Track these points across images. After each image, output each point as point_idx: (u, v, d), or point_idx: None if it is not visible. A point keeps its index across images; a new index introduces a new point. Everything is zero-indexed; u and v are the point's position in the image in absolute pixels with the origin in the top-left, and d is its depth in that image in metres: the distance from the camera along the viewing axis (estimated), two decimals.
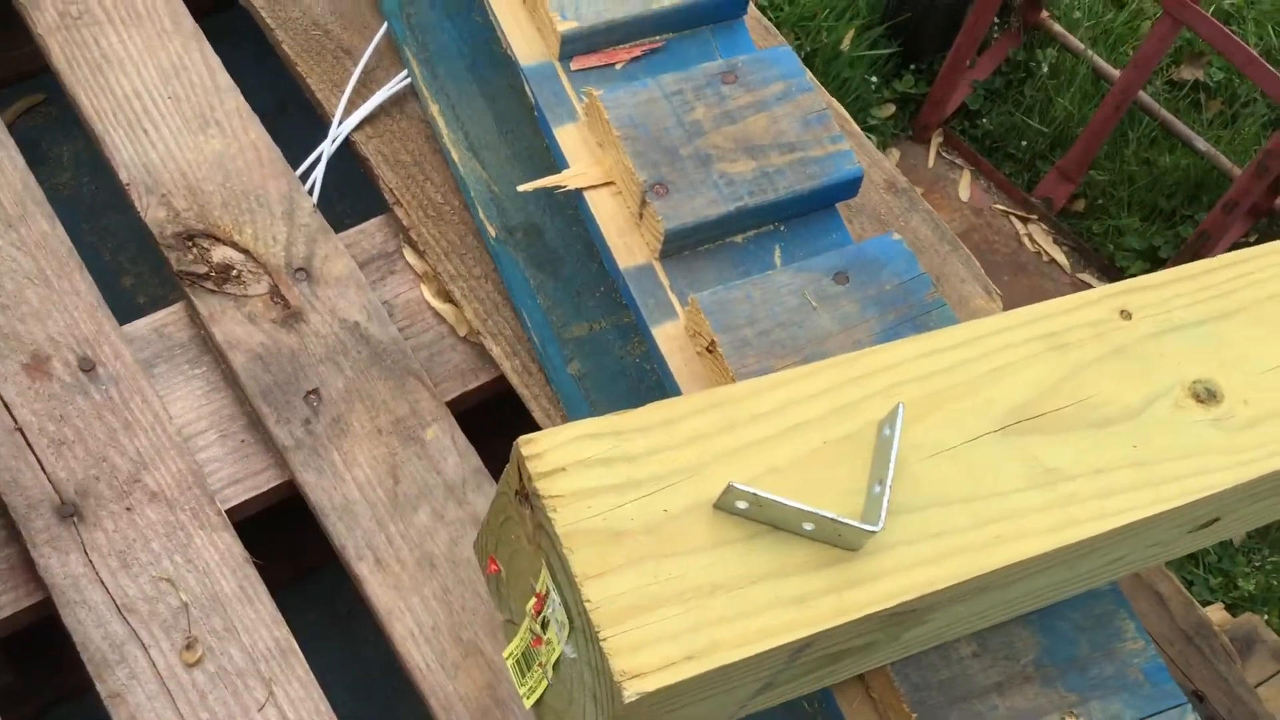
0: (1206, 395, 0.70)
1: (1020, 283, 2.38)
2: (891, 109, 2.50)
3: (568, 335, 1.02)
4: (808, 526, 0.58)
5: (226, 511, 0.97)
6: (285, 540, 1.06)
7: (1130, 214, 2.42)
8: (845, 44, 2.43)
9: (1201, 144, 2.35)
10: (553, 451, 0.58)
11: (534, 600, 0.60)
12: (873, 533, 0.58)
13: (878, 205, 1.19)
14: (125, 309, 1.09)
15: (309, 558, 1.01)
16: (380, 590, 0.95)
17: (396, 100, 1.16)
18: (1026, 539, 0.62)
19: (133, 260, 1.37)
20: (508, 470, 0.60)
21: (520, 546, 0.60)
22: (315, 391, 1.01)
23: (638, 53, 0.96)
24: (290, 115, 1.28)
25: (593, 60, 0.95)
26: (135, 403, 1.00)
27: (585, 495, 0.57)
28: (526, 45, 0.97)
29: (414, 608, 0.95)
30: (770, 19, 2.44)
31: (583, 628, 0.56)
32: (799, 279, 0.85)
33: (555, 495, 0.57)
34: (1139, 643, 0.76)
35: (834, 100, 1.26)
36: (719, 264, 0.90)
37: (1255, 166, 2.06)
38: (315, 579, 1.15)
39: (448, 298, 1.09)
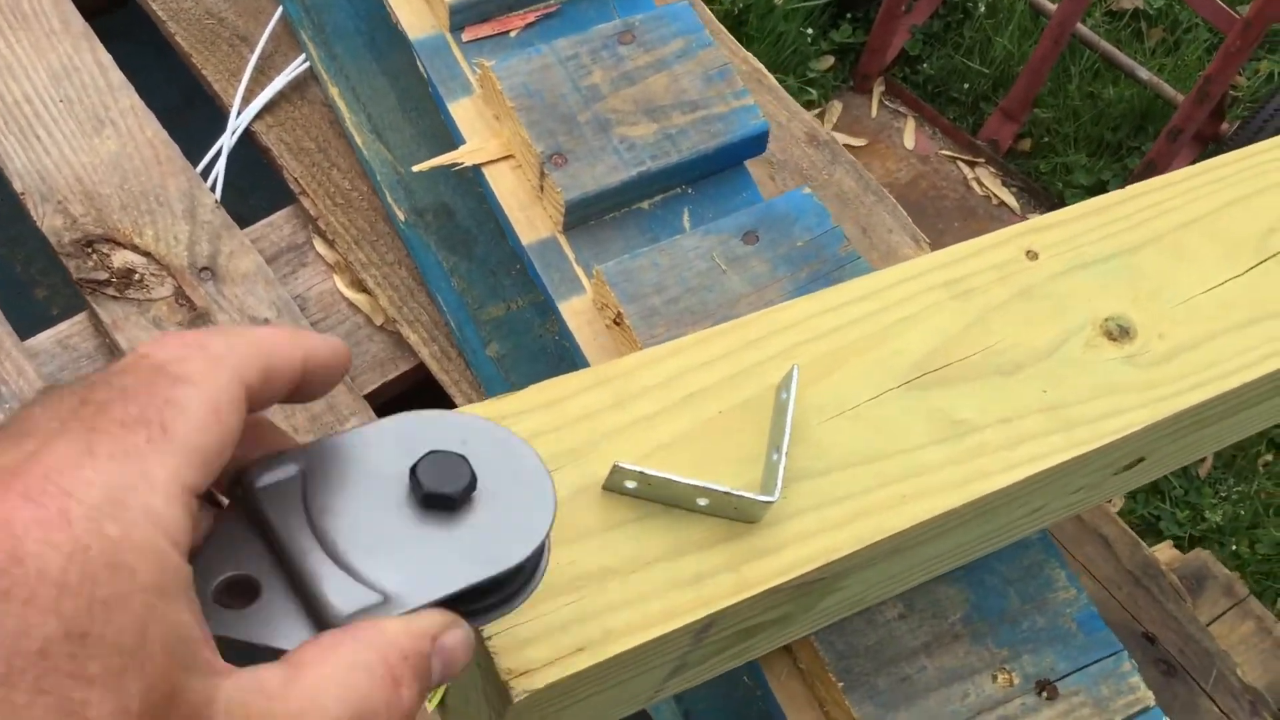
0: (1119, 332, 0.67)
1: (970, 227, 2.36)
2: (830, 61, 2.47)
3: (485, 317, 0.99)
4: (702, 502, 0.56)
5: None
6: None
7: (1077, 150, 2.40)
8: None
9: (1144, 73, 2.33)
10: None
11: None
12: (769, 503, 0.55)
13: (800, 159, 1.16)
14: (39, 321, 1.06)
15: None
16: None
17: (296, 86, 1.12)
18: (934, 496, 0.60)
19: (43, 271, 1.33)
20: None
21: None
22: None
23: (532, 18, 0.93)
24: (196, 109, 1.24)
25: (485, 29, 0.92)
26: None
27: None
28: (416, 18, 0.94)
29: None
30: None
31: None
32: (707, 241, 0.82)
33: None
34: (1070, 591, 0.74)
35: (749, 55, 1.23)
36: (626, 232, 0.87)
37: (1196, 93, 2.03)
38: None
39: (361, 287, 1.06)
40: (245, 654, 0.40)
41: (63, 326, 1.02)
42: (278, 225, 1.08)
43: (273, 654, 0.40)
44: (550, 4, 0.93)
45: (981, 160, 2.44)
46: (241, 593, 0.42)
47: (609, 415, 0.58)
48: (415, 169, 0.90)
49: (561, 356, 0.96)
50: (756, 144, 0.88)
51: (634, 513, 0.56)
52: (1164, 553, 1.05)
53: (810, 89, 2.40)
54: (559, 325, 0.84)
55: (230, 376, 0.39)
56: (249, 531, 0.43)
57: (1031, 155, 2.44)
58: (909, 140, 2.45)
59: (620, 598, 0.54)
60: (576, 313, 0.83)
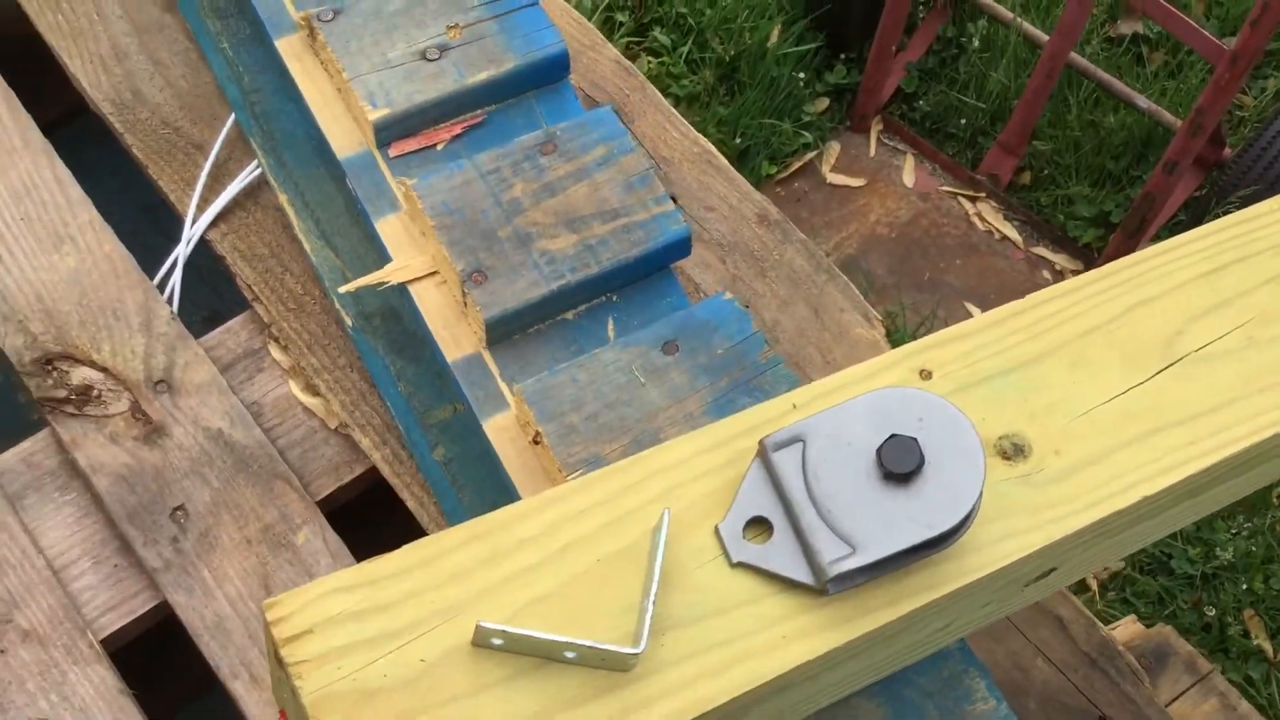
0: (1013, 451, 0.67)
1: (973, 264, 2.35)
2: (825, 103, 2.47)
3: (431, 420, 1.01)
4: (570, 655, 0.56)
5: (101, 641, 0.96)
6: (173, 661, 1.05)
7: (1078, 181, 2.38)
8: (773, 39, 2.40)
9: (1142, 101, 2.31)
10: (299, 613, 0.56)
11: None
12: (635, 654, 0.56)
13: (750, 241, 1.17)
14: (22, 428, 1.08)
15: (198, 679, 1.00)
16: (257, 709, 0.94)
17: (250, 192, 1.14)
18: (816, 635, 0.60)
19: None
20: (266, 632, 0.59)
21: (294, 706, 0.59)
22: (181, 508, 1.00)
23: (458, 130, 0.94)
24: (156, 216, 1.26)
25: (411, 144, 0.93)
26: (3, 540, 0.99)
27: (334, 656, 0.55)
28: (344, 136, 0.95)
29: None
30: (691, 24, 2.41)
31: None
32: (626, 354, 0.83)
33: (301, 661, 0.55)
34: (990, 702, 0.74)
35: (699, 136, 1.23)
36: (551, 344, 0.88)
37: (1189, 125, 2.01)
38: (206, 698, 1.14)
39: (315, 391, 1.07)
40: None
41: (26, 444, 1.05)
42: (234, 331, 1.10)
43: (783, 582, 0.59)
44: (476, 115, 0.94)
45: (983, 195, 2.42)
46: (761, 529, 0.61)
47: (484, 572, 0.59)
48: (341, 290, 0.91)
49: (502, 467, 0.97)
50: (679, 249, 0.89)
51: (505, 671, 0.57)
52: (1125, 629, 1.03)
53: (805, 132, 2.40)
54: (484, 445, 0.85)
55: None
56: (767, 483, 0.61)
57: (1032, 188, 2.43)
58: (908, 178, 2.45)
59: None
60: (500, 430, 0.83)
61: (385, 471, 1.03)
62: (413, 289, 0.88)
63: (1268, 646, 1.89)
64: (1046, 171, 2.40)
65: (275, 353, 1.09)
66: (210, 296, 1.12)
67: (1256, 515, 2.00)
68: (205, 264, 1.15)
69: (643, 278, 0.89)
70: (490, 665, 0.56)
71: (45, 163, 1.15)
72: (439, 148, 0.94)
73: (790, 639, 0.60)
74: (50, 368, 1.05)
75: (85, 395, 1.04)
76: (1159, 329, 0.73)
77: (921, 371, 0.69)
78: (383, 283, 0.89)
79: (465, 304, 0.86)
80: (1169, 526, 0.77)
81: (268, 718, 0.93)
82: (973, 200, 2.42)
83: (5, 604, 0.96)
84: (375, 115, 0.92)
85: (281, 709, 0.63)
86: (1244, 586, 1.88)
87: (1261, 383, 0.71)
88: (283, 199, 1.10)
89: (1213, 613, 1.89)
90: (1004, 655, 0.88)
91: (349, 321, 1.04)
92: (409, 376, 1.02)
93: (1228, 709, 0.99)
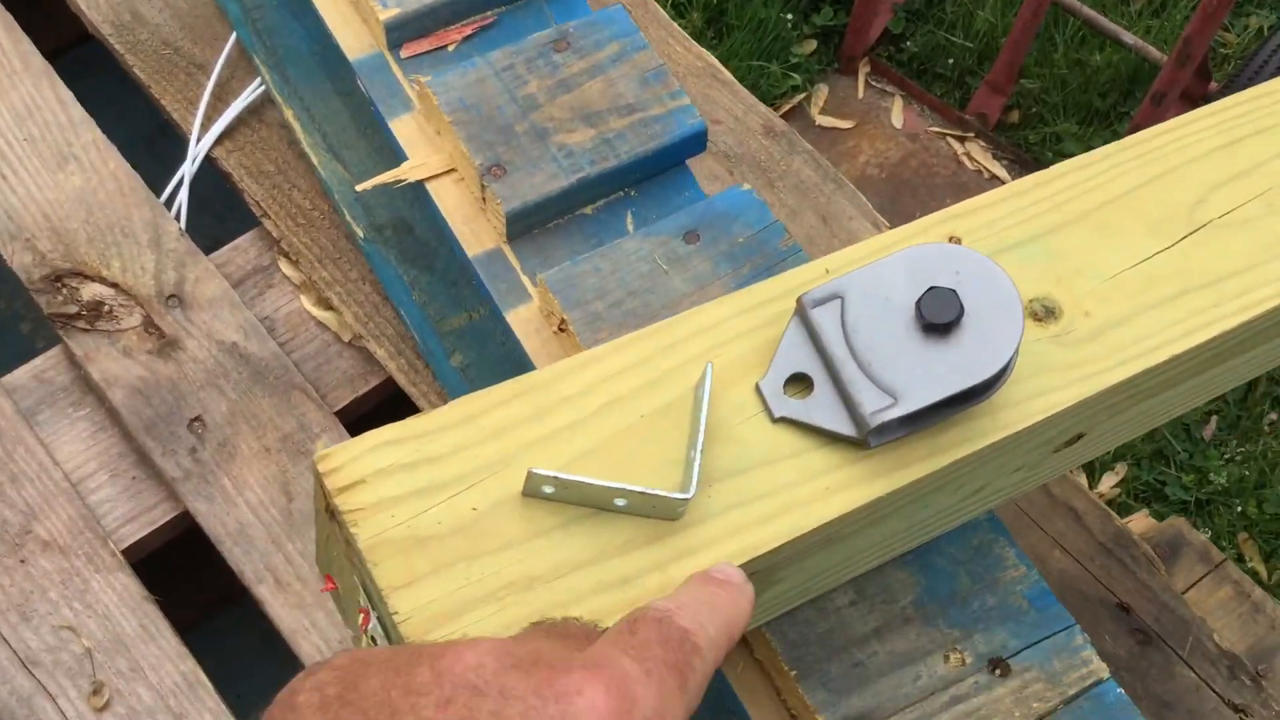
0: (1044, 313, 0.68)
1: None
2: (813, 45, 2.46)
3: (447, 328, 1.01)
4: (620, 502, 0.57)
5: (123, 551, 0.96)
6: (196, 573, 1.05)
7: (1066, 118, 2.39)
8: None
9: (1129, 37, 2.32)
10: (351, 464, 0.57)
11: (361, 616, 0.59)
12: (685, 500, 0.56)
13: (757, 152, 1.17)
14: (25, 355, 1.08)
15: (222, 588, 1.00)
16: (283, 611, 0.94)
17: (254, 110, 1.14)
18: (859, 487, 0.61)
19: (27, 305, 1.35)
20: (315, 488, 0.59)
21: (343, 563, 0.59)
22: (199, 419, 0.99)
23: (469, 31, 0.94)
24: (164, 140, 1.26)
25: (423, 45, 0.93)
26: (19, 454, 0.98)
27: (388, 505, 0.56)
28: (354, 38, 0.95)
29: (318, 624, 0.94)
30: None
31: (397, 641, 0.54)
32: (648, 244, 0.83)
33: (355, 509, 0.55)
34: (1020, 569, 0.75)
35: (703, 50, 1.23)
36: (571, 238, 0.88)
37: (1177, 55, 2.02)
38: (234, 609, 1.14)
39: (327, 304, 1.07)
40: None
41: (38, 361, 1.04)
42: (243, 249, 1.10)
43: (825, 434, 0.60)
44: (487, 16, 0.94)
45: (971, 135, 2.43)
46: (801, 386, 0.61)
47: (527, 428, 0.59)
48: (359, 188, 0.91)
49: (524, 363, 0.97)
50: (695, 143, 0.89)
51: (557, 519, 0.57)
52: (1138, 523, 1.05)
53: (794, 74, 2.40)
54: (508, 336, 0.85)
55: None
56: (806, 340, 0.61)
57: (1021, 127, 2.43)
58: (897, 119, 2.45)
59: (546, 604, 0.55)
60: (524, 321, 0.84)
61: (401, 381, 1.03)
62: (430, 186, 0.88)
63: (1262, 569, 1.92)
64: (1034, 110, 2.41)
65: (285, 268, 1.09)
66: (212, 225, 1.11)
67: (1249, 441, 2.02)
68: (206, 192, 1.15)
69: (660, 172, 0.89)
70: (542, 514, 0.57)
71: (46, 84, 1.14)
72: (450, 49, 0.94)
73: (834, 490, 0.61)
74: (60, 285, 1.04)
75: (96, 311, 1.04)
76: (1180, 198, 0.73)
77: (950, 238, 0.69)
78: (400, 180, 0.88)
79: (484, 199, 0.86)
80: (1190, 400, 0.78)
81: (293, 621, 0.94)
82: (961, 140, 2.43)
83: (24, 515, 0.96)
84: (386, 15, 0.92)
85: (326, 574, 0.64)
86: (1238, 510, 1.91)
87: None
88: (288, 114, 1.10)
89: (1208, 537, 1.91)
90: (1022, 549, 0.88)
91: (360, 233, 1.04)
92: (423, 285, 1.02)
93: (1241, 596, 1.00)
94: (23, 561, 0.94)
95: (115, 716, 0.90)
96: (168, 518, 0.98)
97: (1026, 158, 2.40)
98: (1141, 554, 0.98)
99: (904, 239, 0.69)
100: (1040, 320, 0.67)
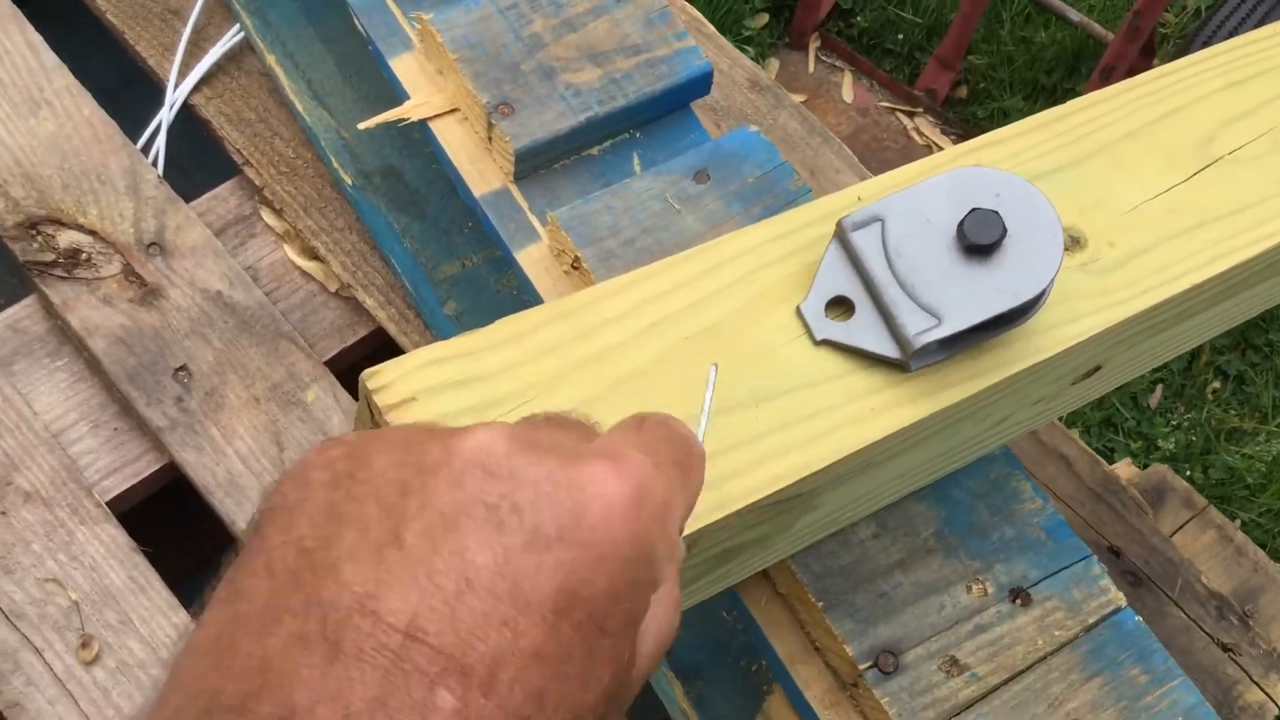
0: (1070, 242, 0.68)
1: None
2: (765, 18, 2.47)
3: (440, 276, 0.99)
4: None
5: (107, 503, 0.93)
6: (186, 524, 1.03)
7: (1013, 94, 2.43)
8: None
9: (1074, 15, 2.35)
10: (400, 381, 0.55)
11: None
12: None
13: (743, 105, 1.17)
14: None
15: (214, 539, 0.97)
16: None
17: (233, 56, 1.11)
18: (902, 408, 0.61)
19: None
20: (359, 408, 0.58)
21: None
22: (184, 368, 0.97)
23: None
24: (134, 90, 1.22)
25: None
26: None
27: (440, 422, 0.55)
28: None
29: None
30: None
31: None
32: (659, 183, 0.82)
33: None
34: (1037, 502, 0.75)
35: (686, 3, 1.23)
36: (578, 179, 0.87)
37: (1126, 29, 2.06)
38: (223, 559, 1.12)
39: (313, 254, 1.05)
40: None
41: (13, 310, 1.01)
42: (223, 198, 1.07)
43: (866, 356, 0.60)
44: None
45: (920, 110, 2.45)
46: (842, 309, 0.61)
47: (574, 347, 0.58)
48: (361, 126, 0.89)
49: (519, 309, 0.96)
50: (701, 84, 0.88)
51: None
52: (1124, 470, 1.06)
53: (746, 47, 2.40)
54: (517, 276, 0.84)
55: None
56: (847, 263, 0.61)
57: (969, 102, 2.46)
58: (847, 94, 2.47)
59: None
60: (534, 260, 0.83)
61: (392, 330, 1.01)
62: (433, 125, 0.86)
63: None
64: (982, 86, 2.44)
65: (268, 217, 1.07)
66: (181, 183, 1.08)
67: (1194, 409, 2.07)
68: (180, 148, 1.12)
69: (667, 113, 0.89)
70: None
71: (15, 29, 1.10)
72: None
73: (878, 411, 0.61)
74: (35, 231, 1.01)
75: (74, 259, 1.00)
76: (1192, 134, 0.75)
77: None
78: (403, 119, 0.87)
79: (491, 138, 0.85)
80: (1200, 334, 0.80)
81: None
82: (910, 115, 2.45)
83: (3, 466, 0.93)
84: None
85: None
86: (1186, 474, 1.95)
87: None
88: (270, 60, 1.07)
89: None
90: None
91: (348, 181, 1.02)
92: (414, 233, 1.01)
93: (1224, 540, 1.02)
94: (3, 513, 0.91)
95: (106, 670, 0.88)
96: (153, 468, 0.95)
97: (975, 133, 2.43)
98: (1130, 498, 0.99)
99: (931, 169, 0.69)
100: (1068, 249, 0.68)
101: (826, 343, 0.61)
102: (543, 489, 0.36)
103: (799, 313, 0.62)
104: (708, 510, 0.56)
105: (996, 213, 0.60)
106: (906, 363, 0.61)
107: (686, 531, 0.55)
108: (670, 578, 0.40)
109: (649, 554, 0.37)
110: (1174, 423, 2.05)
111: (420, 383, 0.55)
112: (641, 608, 0.37)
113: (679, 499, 0.42)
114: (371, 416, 0.56)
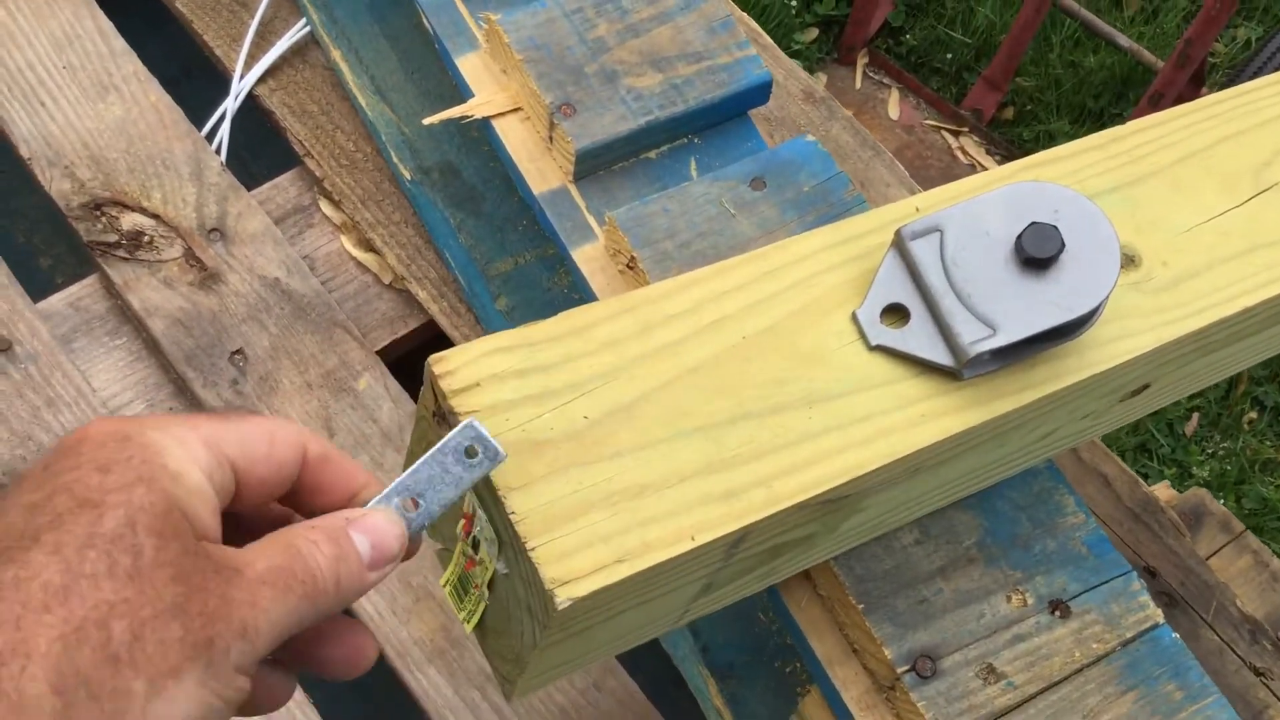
0: (1125, 260, 0.69)
1: None
2: (814, 33, 2.48)
3: (493, 272, 1.01)
4: None
5: None
6: None
7: (1059, 117, 2.43)
8: None
9: (1124, 40, 2.35)
10: (465, 368, 0.57)
11: (463, 522, 0.59)
12: None
13: (797, 116, 1.18)
14: (45, 289, 1.07)
15: None
16: None
17: (298, 50, 1.13)
18: (952, 415, 0.62)
19: (47, 241, 1.33)
20: (423, 393, 0.59)
21: None
22: (240, 351, 0.99)
23: None
24: (196, 79, 1.25)
25: None
26: (56, 379, 0.97)
27: (502, 408, 0.56)
28: None
29: None
30: None
31: (510, 541, 0.55)
32: (715, 188, 0.84)
33: (471, 411, 0.56)
34: (1079, 516, 0.76)
35: (745, 14, 1.24)
36: (635, 181, 0.88)
37: (1177, 56, 2.06)
38: None
39: (369, 246, 1.07)
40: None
41: (74, 289, 1.03)
42: (283, 187, 1.10)
43: (923, 364, 0.61)
44: None
45: (965, 129, 2.46)
46: (897, 316, 0.62)
47: (635, 342, 0.60)
48: (425, 122, 0.91)
49: (570, 307, 0.98)
50: (760, 93, 0.90)
51: (666, 431, 0.58)
52: (1162, 492, 1.07)
53: (795, 60, 2.41)
54: (572, 274, 0.86)
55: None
56: (904, 271, 0.62)
57: (1015, 123, 2.46)
58: (893, 111, 2.47)
59: (656, 512, 0.56)
60: (589, 259, 0.84)
61: (443, 324, 1.03)
62: (496, 123, 0.88)
63: None
64: (1029, 108, 2.45)
65: (326, 208, 1.09)
66: (240, 172, 1.10)
67: (1230, 438, 2.06)
68: (242, 139, 1.14)
69: (725, 120, 0.90)
70: (652, 426, 0.58)
71: (86, 13, 1.13)
72: None
73: (929, 417, 0.62)
74: (99, 213, 1.04)
75: (136, 240, 1.03)
76: (1249, 159, 0.75)
77: None
78: (467, 116, 0.89)
79: (552, 137, 0.86)
80: (1246, 358, 0.80)
81: None
82: (955, 134, 2.46)
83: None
84: None
85: None
86: (1219, 503, 1.94)
87: None
88: (335, 55, 1.09)
89: None
90: None
91: (407, 176, 1.04)
92: (469, 229, 1.02)
93: (1260, 565, 1.03)
94: None
95: None
96: None
97: (1019, 154, 2.43)
98: (1168, 520, 1.00)
99: (988, 183, 0.70)
100: (1122, 267, 0.69)
101: (881, 348, 0.62)
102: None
103: (854, 318, 0.63)
104: (758, 506, 0.57)
105: (1055, 227, 0.61)
106: (959, 371, 0.62)
107: (736, 526, 0.56)
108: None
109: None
110: (1209, 451, 2.05)
111: (485, 370, 0.57)
112: None
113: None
114: (435, 400, 0.57)
